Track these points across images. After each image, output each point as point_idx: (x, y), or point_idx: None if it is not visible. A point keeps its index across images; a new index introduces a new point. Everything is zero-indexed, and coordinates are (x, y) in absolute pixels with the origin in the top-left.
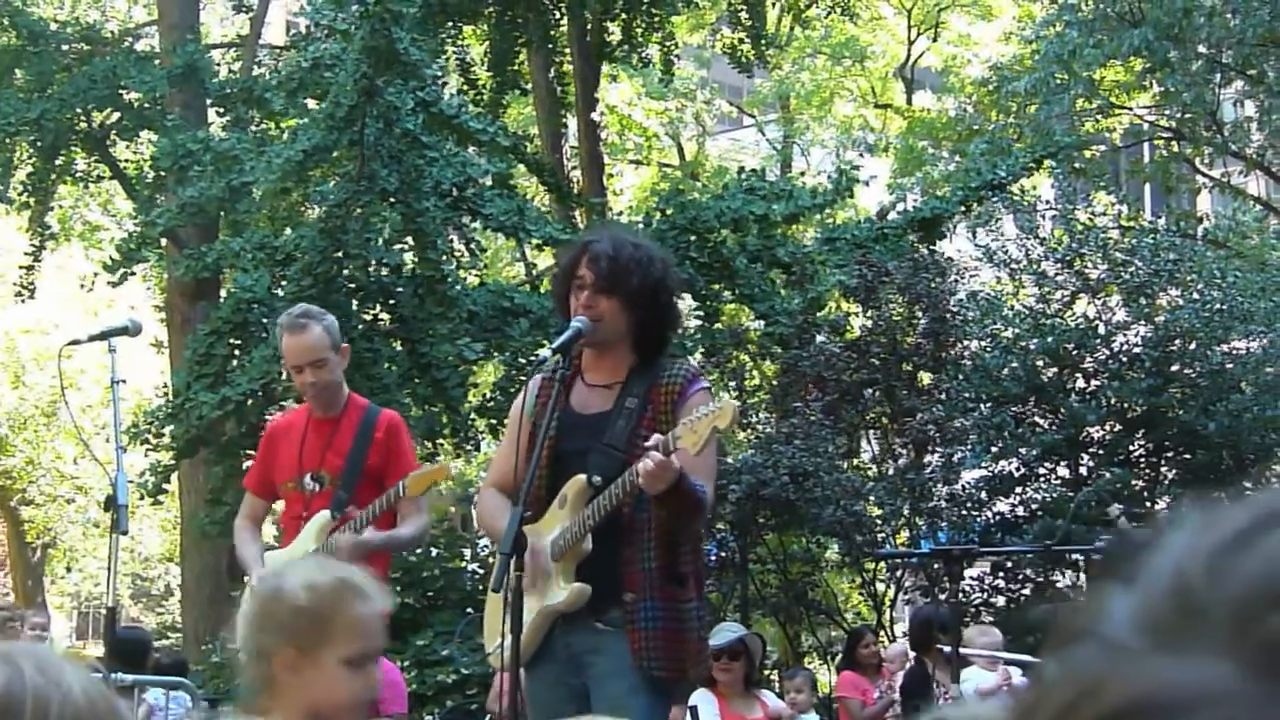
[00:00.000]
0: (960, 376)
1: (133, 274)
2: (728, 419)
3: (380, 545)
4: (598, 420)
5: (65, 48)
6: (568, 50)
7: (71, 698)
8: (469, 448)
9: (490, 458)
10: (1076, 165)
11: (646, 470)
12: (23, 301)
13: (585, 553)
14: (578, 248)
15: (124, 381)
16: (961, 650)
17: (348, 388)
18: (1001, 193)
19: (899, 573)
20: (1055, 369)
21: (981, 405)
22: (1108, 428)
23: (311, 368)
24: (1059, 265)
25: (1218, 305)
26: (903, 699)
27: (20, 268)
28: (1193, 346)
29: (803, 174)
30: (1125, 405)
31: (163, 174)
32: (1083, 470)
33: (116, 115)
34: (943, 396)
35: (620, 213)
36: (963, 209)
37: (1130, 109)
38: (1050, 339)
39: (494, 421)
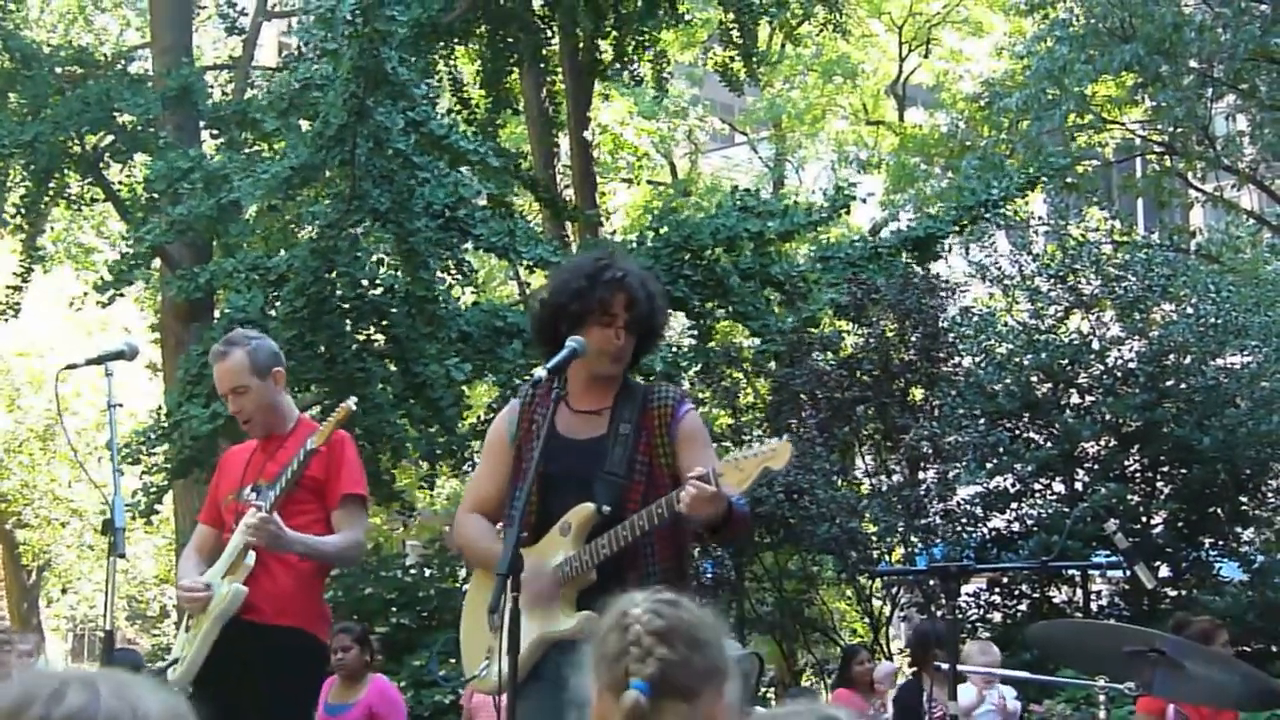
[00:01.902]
0: (954, 393)
1: (122, 295)
2: (782, 461)
3: (297, 546)
4: (590, 446)
5: (59, 71)
6: (559, 69)
7: None
8: (466, 469)
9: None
10: (1069, 181)
11: (691, 501)
12: (6, 321)
13: (590, 581)
14: (610, 280)
15: (120, 405)
16: (959, 667)
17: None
18: (996, 211)
19: (895, 590)
20: (1049, 385)
21: (976, 421)
22: (1103, 443)
23: (234, 395)
24: (1052, 281)
25: (1212, 320)
26: (896, 713)
27: (7, 288)
28: (1187, 361)
29: (796, 192)
30: (1120, 420)
31: (155, 196)
32: (1078, 486)
33: (110, 138)
34: (936, 413)
35: (614, 232)
36: (956, 229)
37: (1122, 124)
38: (1044, 354)
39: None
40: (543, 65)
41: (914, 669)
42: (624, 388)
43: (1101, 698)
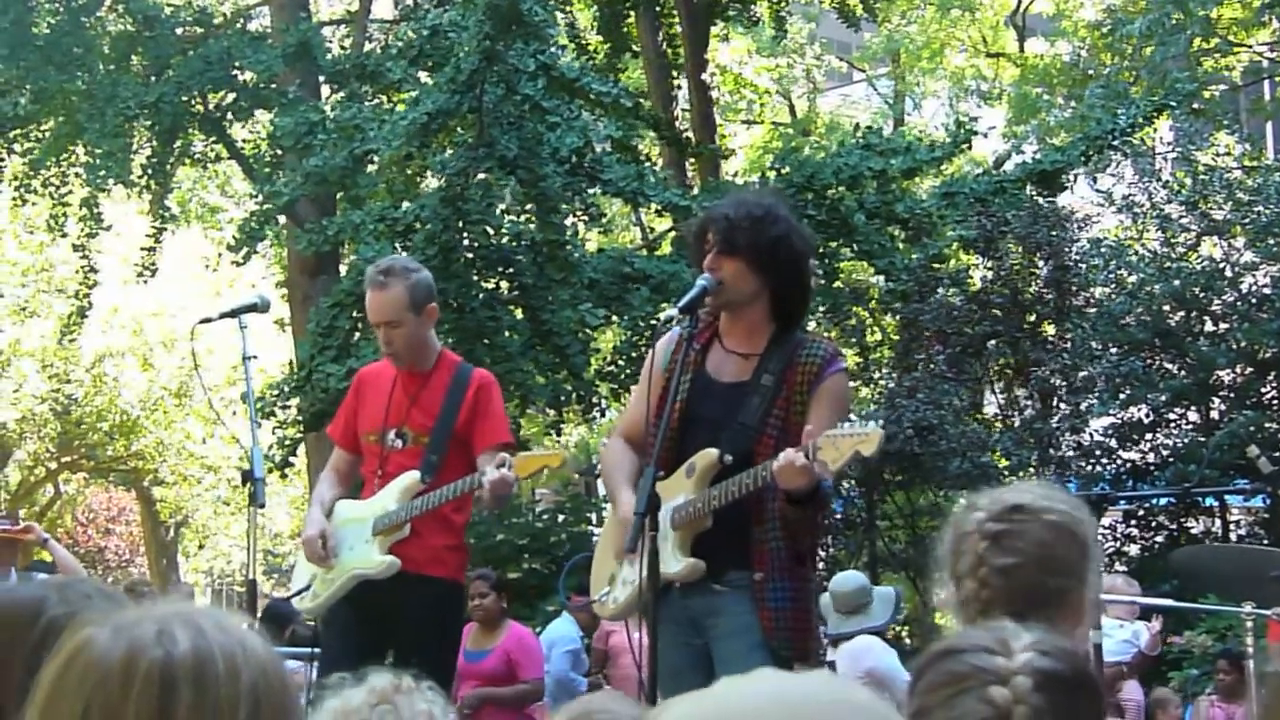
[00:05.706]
0: (1085, 325)
1: (256, 253)
2: (872, 447)
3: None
4: (732, 391)
5: (179, 31)
6: (675, 12)
7: (254, 655)
8: (594, 415)
9: (614, 424)
10: (1195, 106)
11: (782, 465)
12: (145, 281)
13: (705, 527)
14: (703, 215)
15: (255, 358)
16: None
17: (468, 354)
18: (1123, 140)
19: None
20: (1182, 313)
21: (1108, 352)
22: (1238, 370)
23: (386, 327)
24: (1182, 208)
25: None
26: None
27: (141, 249)
28: None
29: (915, 128)
30: (1255, 347)
31: (281, 152)
32: (1214, 414)
33: (231, 96)
34: (1067, 346)
35: (735, 173)
36: (1084, 159)
37: (1249, 46)
38: (1176, 282)
39: (616, 387)
40: (659, 8)
41: None
42: (779, 335)
43: (1249, 624)
